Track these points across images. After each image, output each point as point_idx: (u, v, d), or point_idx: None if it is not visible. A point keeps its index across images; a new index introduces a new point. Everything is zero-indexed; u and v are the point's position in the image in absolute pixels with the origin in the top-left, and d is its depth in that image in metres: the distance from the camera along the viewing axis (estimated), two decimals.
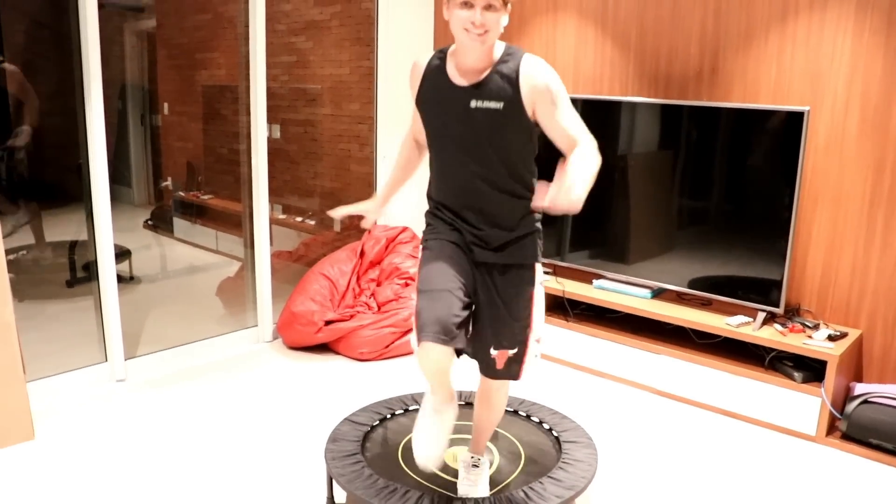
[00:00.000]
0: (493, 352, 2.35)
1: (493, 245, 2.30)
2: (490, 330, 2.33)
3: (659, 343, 3.92)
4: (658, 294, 4.09)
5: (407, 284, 4.49)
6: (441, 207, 2.36)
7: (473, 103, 2.17)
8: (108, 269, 3.81)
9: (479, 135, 2.20)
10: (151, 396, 3.75)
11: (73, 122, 3.91)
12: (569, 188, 1.91)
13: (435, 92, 2.25)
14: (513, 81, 2.15)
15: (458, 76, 2.20)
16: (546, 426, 3.07)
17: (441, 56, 2.26)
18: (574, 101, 4.13)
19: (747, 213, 3.73)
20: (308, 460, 3.14)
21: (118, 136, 7.38)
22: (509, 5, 2.15)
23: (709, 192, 3.86)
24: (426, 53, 2.29)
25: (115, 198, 6.48)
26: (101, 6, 3.80)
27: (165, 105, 6.66)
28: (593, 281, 4.28)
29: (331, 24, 5.06)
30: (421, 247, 2.39)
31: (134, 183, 7.19)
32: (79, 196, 4.00)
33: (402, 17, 4.86)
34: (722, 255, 3.82)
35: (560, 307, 4.34)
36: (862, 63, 3.45)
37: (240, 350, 4.41)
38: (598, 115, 4.12)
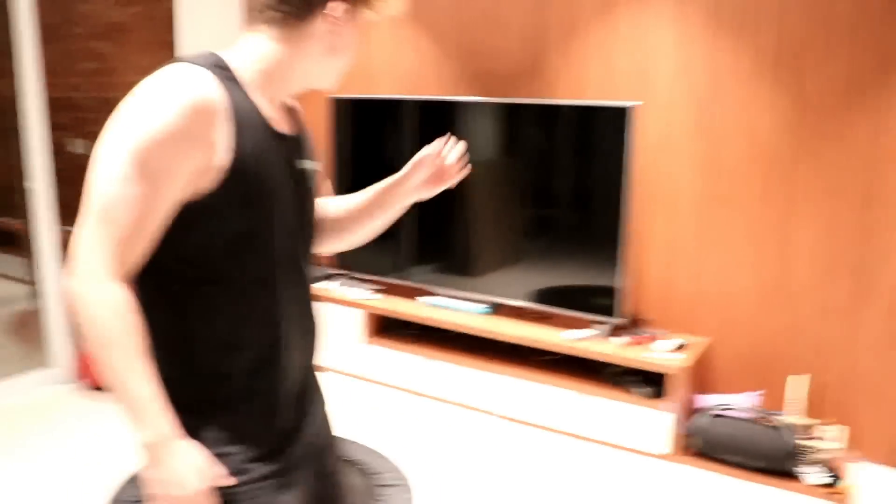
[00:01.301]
0: None
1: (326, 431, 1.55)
2: None
3: (498, 363, 3.63)
4: (495, 310, 3.80)
5: None
6: (265, 422, 1.34)
7: (303, 164, 1.42)
8: None
9: (308, 224, 1.45)
10: None
11: None
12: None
13: (259, 150, 1.27)
14: (307, 130, 1.50)
15: (275, 119, 1.34)
16: (361, 468, 2.72)
17: (230, 76, 1.27)
18: (393, 103, 3.90)
19: (580, 218, 3.50)
20: None
21: None
22: None
23: (541, 196, 3.60)
24: (187, 70, 1.22)
25: None
26: None
27: None
28: (423, 298, 3.95)
29: (133, 26, 4.58)
30: None
31: None
32: None
33: (205, 17, 4.42)
34: (558, 264, 3.56)
35: (391, 328, 3.99)
36: (686, 56, 3.27)
37: (32, 395, 3.85)
38: (422, 116, 3.82)
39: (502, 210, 3.71)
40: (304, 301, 1.41)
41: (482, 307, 3.77)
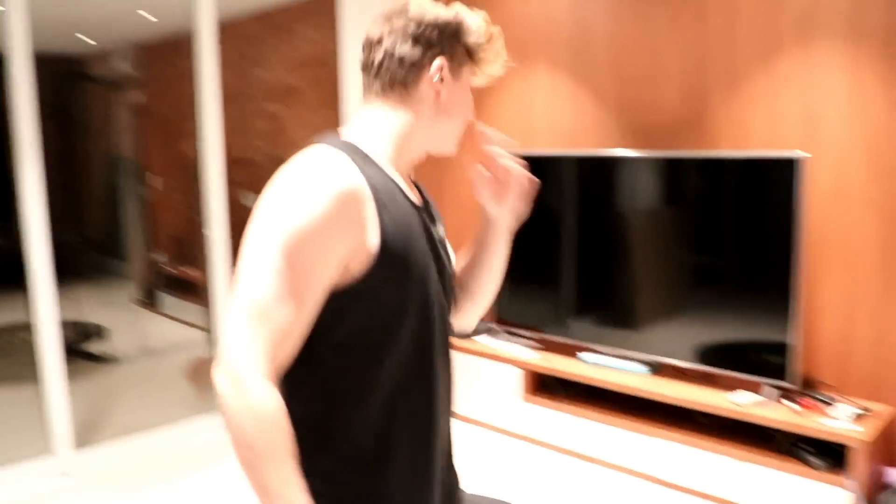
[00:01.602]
0: None
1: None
2: None
3: (658, 425, 3.47)
4: (656, 370, 3.65)
5: None
6: None
7: (439, 230, 1.43)
8: (50, 351, 3.53)
9: (451, 289, 1.46)
10: (105, 492, 3.42)
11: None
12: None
13: (404, 226, 1.27)
14: (424, 190, 1.52)
15: (409, 190, 1.37)
16: None
17: (365, 155, 1.29)
18: (553, 159, 3.88)
19: (748, 271, 3.31)
20: None
21: (110, 209, 7.29)
22: None
23: (705, 248, 3.45)
24: (328, 156, 1.23)
25: (109, 271, 6.33)
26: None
27: (153, 177, 6.56)
28: (578, 354, 3.85)
29: (305, 88, 4.84)
30: None
31: (128, 257, 7.05)
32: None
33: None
34: (724, 320, 3.38)
35: (549, 386, 3.92)
36: (860, 99, 3.06)
37: (209, 437, 4.07)
38: (578, 171, 3.77)
39: (665, 263, 3.59)
40: (448, 363, 1.41)
41: (642, 367, 3.63)
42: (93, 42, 6.35)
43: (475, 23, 1.38)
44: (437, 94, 1.34)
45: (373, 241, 1.20)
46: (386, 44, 1.34)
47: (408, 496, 1.30)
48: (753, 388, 3.30)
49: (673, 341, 3.53)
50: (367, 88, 1.37)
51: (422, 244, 1.31)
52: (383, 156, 1.32)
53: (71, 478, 3.58)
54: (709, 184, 3.40)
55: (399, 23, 1.34)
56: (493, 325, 4.23)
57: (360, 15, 4.41)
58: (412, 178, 1.46)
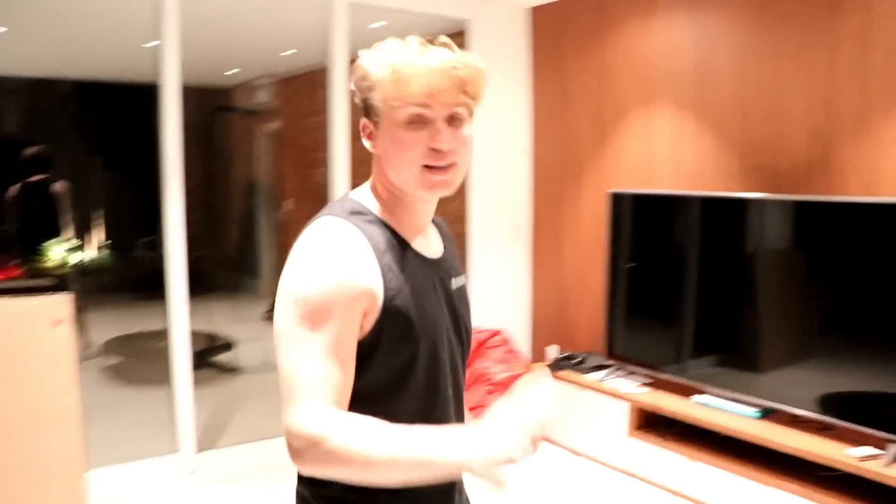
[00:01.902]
0: None
1: None
2: None
3: (768, 473, 3.37)
4: (767, 415, 3.56)
5: (492, 391, 4.21)
6: None
7: (454, 282, 1.46)
8: (181, 358, 3.81)
9: (466, 339, 1.51)
10: (224, 492, 3.64)
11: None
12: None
13: (410, 281, 1.32)
14: (451, 242, 1.55)
15: (422, 243, 1.40)
16: None
17: (369, 218, 1.33)
18: (673, 199, 3.88)
19: (877, 319, 3.19)
20: None
21: (246, 230, 7.73)
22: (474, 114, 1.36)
23: (832, 294, 3.34)
24: (331, 228, 1.30)
25: (243, 288, 6.67)
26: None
27: (289, 201, 6.89)
28: (693, 396, 3.80)
29: None
30: None
31: (260, 274, 7.44)
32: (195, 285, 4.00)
33: (496, 113, 4.73)
34: (846, 369, 3.25)
35: (656, 424, 3.88)
36: None
37: None
38: (704, 212, 3.76)
39: (789, 306, 3.50)
40: (461, 409, 1.49)
41: (753, 411, 3.55)
42: (234, 72, 6.81)
43: (374, 56, 1.31)
44: (372, 142, 1.36)
45: (378, 301, 1.25)
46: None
47: None
48: (878, 443, 3.16)
49: (791, 387, 3.43)
50: None
51: (431, 298, 1.34)
52: (382, 212, 1.35)
53: (194, 475, 3.83)
54: (839, 228, 3.30)
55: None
56: (606, 360, 4.24)
57: (485, 52, 4.56)
58: (434, 223, 1.49)
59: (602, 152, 4.44)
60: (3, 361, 2.96)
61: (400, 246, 1.33)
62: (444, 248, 1.48)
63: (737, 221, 3.63)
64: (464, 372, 1.51)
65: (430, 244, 1.42)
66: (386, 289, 1.26)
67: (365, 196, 1.38)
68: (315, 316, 1.21)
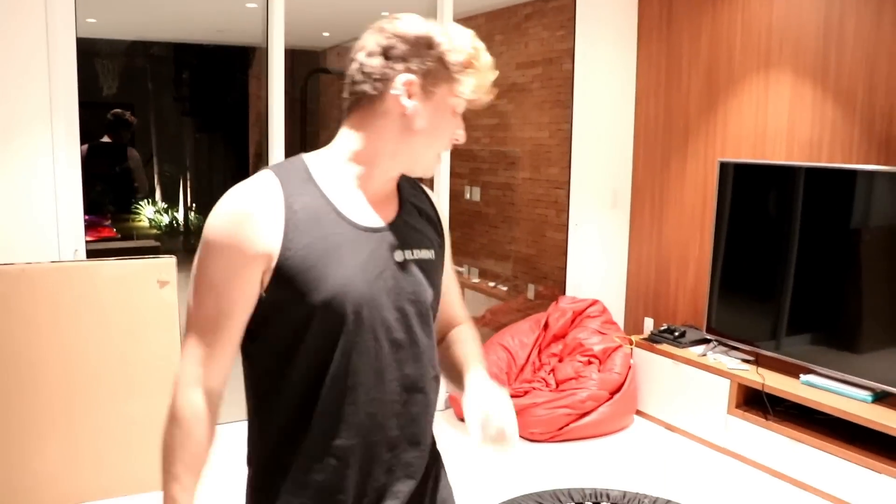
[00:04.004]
0: None
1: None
2: None
3: (880, 459, 3.25)
4: (881, 398, 3.43)
5: (590, 362, 4.15)
6: None
7: (400, 255, 1.37)
8: None
9: (417, 314, 1.39)
10: None
11: None
12: (503, 432, 1.31)
13: (322, 246, 1.28)
14: (432, 218, 1.49)
15: (364, 212, 1.34)
16: None
17: (303, 177, 1.32)
18: (788, 169, 3.73)
19: None
20: None
21: None
22: None
23: None
24: (254, 181, 1.30)
25: None
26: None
27: None
28: (801, 376, 3.68)
29: (532, 86, 4.94)
30: None
31: None
32: None
33: (601, 79, 4.61)
34: None
35: (759, 402, 3.78)
36: None
37: None
38: (819, 185, 3.60)
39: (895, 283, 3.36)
40: (410, 383, 1.37)
41: (865, 394, 3.42)
42: (327, 35, 6.81)
43: (456, 39, 1.30)
44: (403, 111, 1.29)
45: (272, 260, 1.25)
46: (358, 57, 1.32)
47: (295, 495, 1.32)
48: None
49: None
50: (343, 105, 1.36)
51: (352, 263, 1.28)
52: (333, 176, 1.32)
53: None
54: None
55: (374, 37, 1.31)
56: (705, 335, 4.14)
57: (593, 17, 4.45)
58: (423, 193, 1.48)
59: (710, 120, 4.29)
60: (111, 321, 3.03)
61: (329, 209, 1.29)
62: (404, 220, 1.40)
63: (856, 194, 3.47)
64: (424, 347, 1.39)
65: (375, 214, 1.35)
66: (284, 247, 1.24)
67: (319, 155, 1.36)
68: (207, 273, 1.26)
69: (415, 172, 1.39)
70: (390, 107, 1.29)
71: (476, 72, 1.30)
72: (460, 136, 1.36)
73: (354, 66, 1.32)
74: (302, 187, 1.28)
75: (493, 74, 1.33)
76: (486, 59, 1.31)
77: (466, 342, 1.53)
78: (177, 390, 1.28)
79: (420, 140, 1.32)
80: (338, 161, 1.33)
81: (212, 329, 1.26)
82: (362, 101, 1.31)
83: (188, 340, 1.28)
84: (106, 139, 5.10)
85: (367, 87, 1.29)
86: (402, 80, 1.28)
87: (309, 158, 1.35)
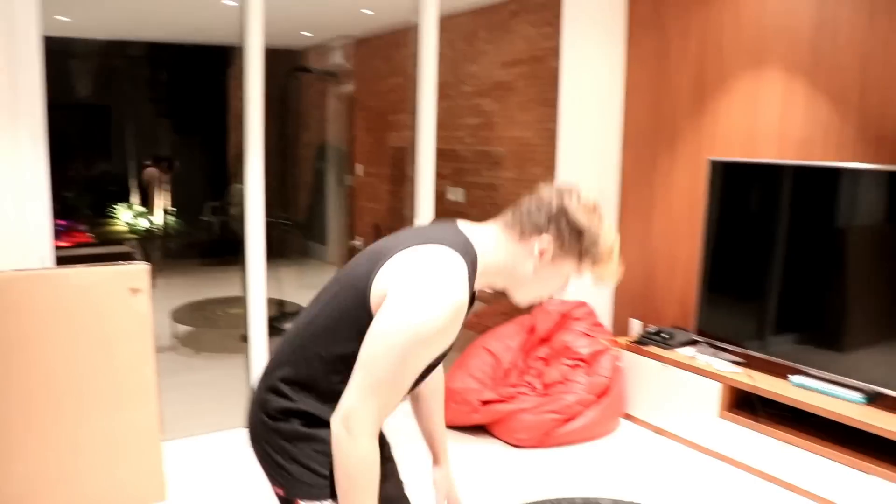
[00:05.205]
0: None
1: None
2: None
3: (871, 460, 3.20)
4: (873, 399, 3.37)
5: (577, 366, 4.08)
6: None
7: None
8: (258, 329, 3.75)
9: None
10: None
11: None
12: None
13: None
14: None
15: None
16: None
17: (474, 269, 1.63)
18: (780, 168, 3.67)
19: None
20: None
21: (315, 195, 7.66)
22: None
23: None
24: (457, 268, 1.54)
25: (310, 255, 6.66)
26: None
27: (359, 166, 6.80)
28: (789, 376, 3.62)
29: (517, 84, 4.85)
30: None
31: (329, 241, 7.39)
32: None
33: (588, 76, 4.54)
34: None
35: (748, 404, 3.72)
36: None
37: (386, 426, 4.18)
38: (811, 183, 3.55)
39: (887, 283, 3.30)
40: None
41: (857, 395, 3.37)
42: (310, 35, 6.70)
43: (601, 238, 1.63)
44: (538, 261, 1.63)
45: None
46: (536, 201, 1.65)
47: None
48: None
49: (891, 369, 3.24)
50: (505, 212, 1.69)
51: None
52: (480, 271, 1.63)
53: None
54: None
55: (554, 201, 1.63)
56: (694, 336, 4.08)
57: (580, 14, 4.37)
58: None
59: (700, 119, 4.23)
60: (81, 330, 2.94)
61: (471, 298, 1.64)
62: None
63: (833, 193, 3.42)
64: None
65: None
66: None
67: (484, 248, 1.64)
68: (414, 350, 1.48)
69: (511, 296, 1.72)
70: (530, 251, 1.63)
71: (600, 268, 1.64)
72: (559, 294, 1.72)
73: (533, 202, 1.66)
74: (472, 275, 1.59)
75: (615, 273, 1.66)
76: (614, 264, 1.65)
77: (436, 412, 2.13)
78: (368, 440, 1.50)
79: (532, 287, 1.67)
80: (484, 258, 1.63)
81: (402, 392, 1.53)
82: (519, 230, 1.64)
83: (375, 398, 1.50)
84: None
85: (526, 225, 1.64)
86: (546, 240, 1.62)
87: (477, 244, 1.63)
